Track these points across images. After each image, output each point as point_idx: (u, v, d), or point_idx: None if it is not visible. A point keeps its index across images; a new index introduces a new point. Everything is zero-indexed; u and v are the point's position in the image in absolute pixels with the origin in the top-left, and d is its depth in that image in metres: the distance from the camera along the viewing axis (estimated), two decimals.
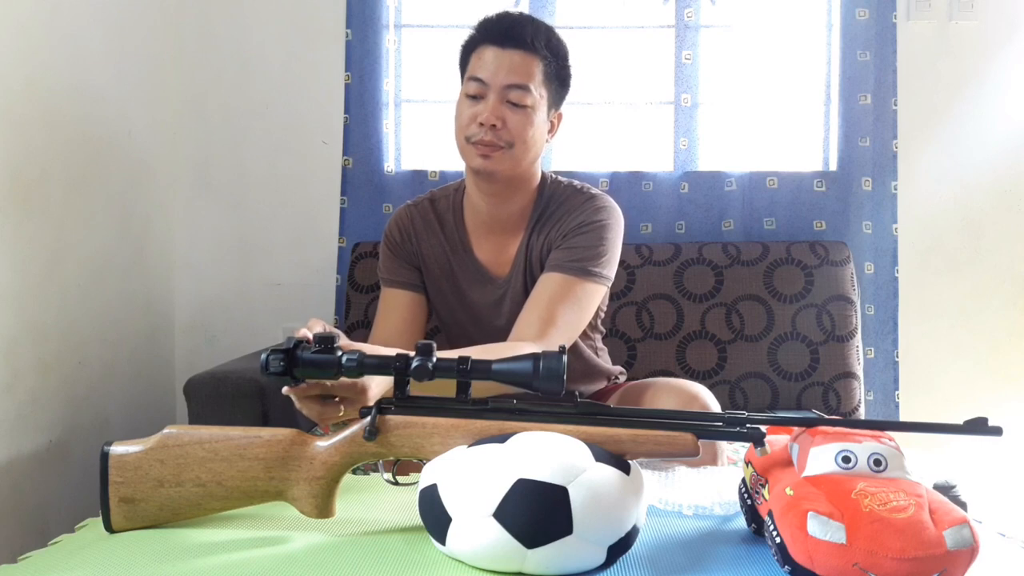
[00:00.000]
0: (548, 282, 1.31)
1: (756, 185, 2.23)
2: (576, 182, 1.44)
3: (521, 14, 1.37)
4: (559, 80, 1.35)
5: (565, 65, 1.36)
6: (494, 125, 1.29)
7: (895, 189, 2.21)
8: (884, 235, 2.22)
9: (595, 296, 1.34)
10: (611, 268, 1.36)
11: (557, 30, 1.37)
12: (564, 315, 1.28)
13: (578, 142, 2.31)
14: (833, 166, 2.27)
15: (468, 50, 1.34)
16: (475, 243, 1.42)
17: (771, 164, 2.26)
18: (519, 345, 1.22)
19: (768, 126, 2.31)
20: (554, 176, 1.45)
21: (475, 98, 1.31)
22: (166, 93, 2.26)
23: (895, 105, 2.20)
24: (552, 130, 1.39)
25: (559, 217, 1.37)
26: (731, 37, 2.29)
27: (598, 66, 2.31)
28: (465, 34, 1.37)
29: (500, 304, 1.41)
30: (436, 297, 1.44)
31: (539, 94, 1.31)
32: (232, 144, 2.32)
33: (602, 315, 1.51)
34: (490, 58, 1.30)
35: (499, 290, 1.41)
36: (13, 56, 1.63)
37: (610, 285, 1.38)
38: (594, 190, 1.41)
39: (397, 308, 1.42)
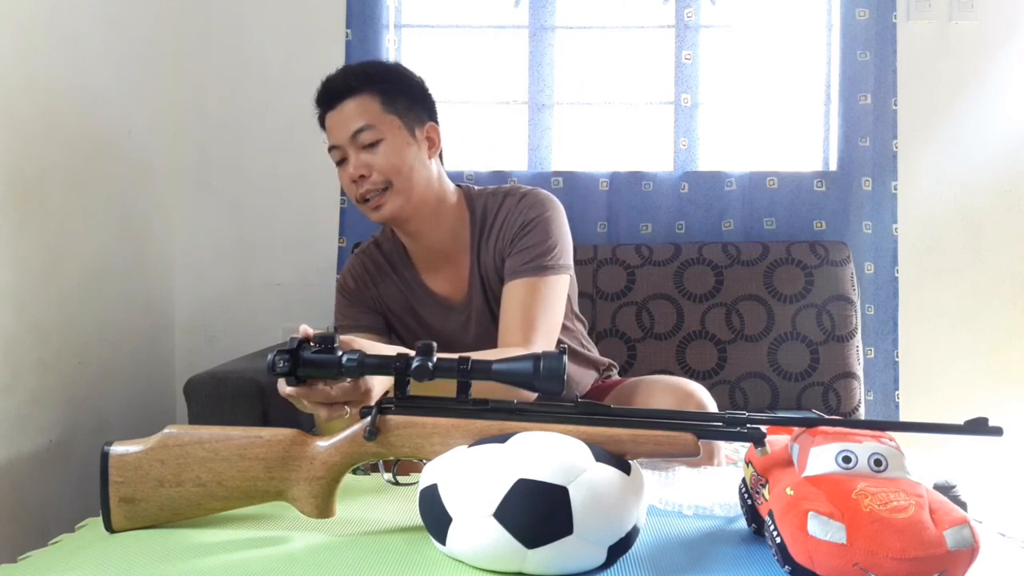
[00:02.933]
0: (513, 291, 1.32)
1: (756, 185, 2.23)
2: (503, 186, 1.45)
3: (338, 70, 1.37)
4: (406, 97, 1.35)
5: (403, 80, 1.37)
6: (362, 175, 1.31)
7: (895, 189, 2.21)
8: (884, 235, 2.22)
9: (561, 288, 1.35)
10: (567, 256, 1.37)
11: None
12: (540, 316, 1.29)
13: (578, 142, 2.31)
14: (833, 166, 2.27)
15: (322, 128, 1.37)
16: (427, 277, 1.43)
17: (771, 164, 2.26)
18: (513, 349, 1.22)
19: (768, 126, 2.31)
20: (475, 188, 1.45)
21: (341, 164, 1.34)
22: (166, 93, 2.26)
23: (895, 105, 2.20)
24: (433, 145, 1.37)
25: (499, 226, 1.37)
26: (731, 37, 2.29)
27: (598, 66, 2.31)
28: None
29: (467, 327, 1.42)
30: (404, 332, 1.45)
31: (387, 123, 1.31)
32: (232, 144, 2.32)
33: (575, 303, 1.52)
34: (331, 123, 1.34)
35: (462, 315, 1.42)
36: (13, 56, 1.63)
37: (572, 272, 1.40)
38: (523, 187, 1.42)
39: None
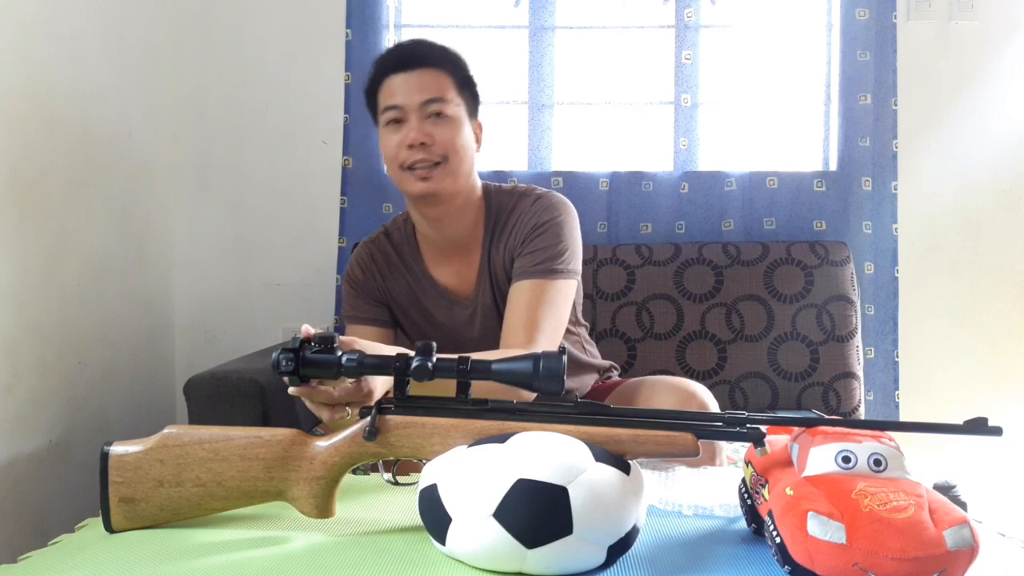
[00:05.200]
0: (520, 290, 1.32)
1: (756, 185, 2.23)
2: (520, 185, 1.45)
3: (412, 40, 1.38)
4: (470, 89, 1.38)
5: (470, 75, 1.39)
6: (423, 143, 1.30)
7: (895, 189, 2.21)
8: (884, 235, 2.22)
9: (568, 292, 1.35)
10: (576, 261, 1.37)
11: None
12: (545, 318, 1.29)
13: (578, 142, 2.31)
14: (833, 166, 2.27)
15: (373, 89, 1.36)
16: (434, 269, 1.43)
17: (771, 164, 2.26)
18: (514, 349, 1.22)
19: (768, 126, 2.31)
20: (491, 184, 1.45)
21: (396, 124, 1.32)
22: (166, 93, 2.26)
23: (895, 105, 2.20)
24: (478, 141, 1.40)
25: (512, 225, 1.38)
26: (731, 37, 2.29)
27: (598, 66, 2.31)
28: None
29: (471, 322, 1.42)
30: (408, 326, 1.45)
31: (456, 103, 1.33)
32: (232, 144, 2.32)
33: (579, 308, 1.52)
34: (399, 84, 1.31)
35: (467, 310, 1.42)
36: (13, 56, 1.63)
37: (579, 277, 1.40)
38: (539, 189, 1.42)
39: None
